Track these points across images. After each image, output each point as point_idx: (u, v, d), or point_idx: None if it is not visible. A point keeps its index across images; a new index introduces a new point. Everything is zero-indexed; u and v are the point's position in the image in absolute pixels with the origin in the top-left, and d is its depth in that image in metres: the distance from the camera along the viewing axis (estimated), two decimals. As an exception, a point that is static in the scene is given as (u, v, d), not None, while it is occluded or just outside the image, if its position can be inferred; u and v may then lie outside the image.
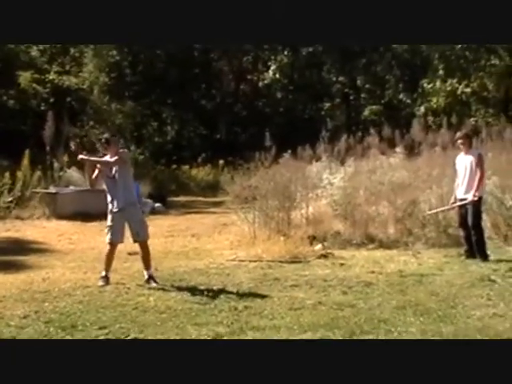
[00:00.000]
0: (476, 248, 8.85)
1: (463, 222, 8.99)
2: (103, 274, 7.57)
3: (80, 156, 8.01)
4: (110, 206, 7.58)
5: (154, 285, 7.37)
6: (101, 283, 7.44)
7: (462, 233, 9.16)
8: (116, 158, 7.52)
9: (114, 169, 7.56)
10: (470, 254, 8.88)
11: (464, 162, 9.02)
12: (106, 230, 7.64)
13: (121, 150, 7.74)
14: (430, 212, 10.25)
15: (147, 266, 7.60)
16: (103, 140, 7.91)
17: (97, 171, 7.74)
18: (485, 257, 8.73)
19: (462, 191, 8.98)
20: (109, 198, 7.59)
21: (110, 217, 7.59)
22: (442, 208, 9.85)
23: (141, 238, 7.61)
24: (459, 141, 9.19)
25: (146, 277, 7.52)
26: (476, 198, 8.79)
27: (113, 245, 7.60)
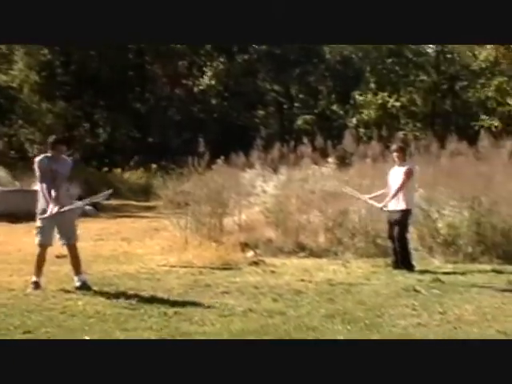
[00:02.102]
0: (400, 259, 9.03)
1: (392, 234, 9.19)
2: (34, 279, 7.34)
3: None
4: (40, 206, 7.35)
5: (84, 290, 7.19)
6: (30, 289, 7.21)
7: (390, 244, 9.36)
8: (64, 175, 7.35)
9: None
10: (397, 264, 9.07)
11: (397, 174, 9.16)
12: (36, 232, 7.43)
13: (69, 160, 7.55)
14: (346, 190, 10.29)
15: (77, 270, 7.41)
16: (52, 142, 7.46)
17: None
18: (410, 267, 8.90)
19: (393, 203, 9.15)
20: (40, 199, 7.36)
21: (39, 217, 7.37)
22: (366, 196, 9.86)
23: (67, 241, 7.41)
24: (394, 153, 9.33)
25: (78, 283, 7.30)
26: (400, 209, 8.99)
27: (43, 247, 7.38)
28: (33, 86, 24.15)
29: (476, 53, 25.59)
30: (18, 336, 5.42)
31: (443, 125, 32.68)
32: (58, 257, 8.87)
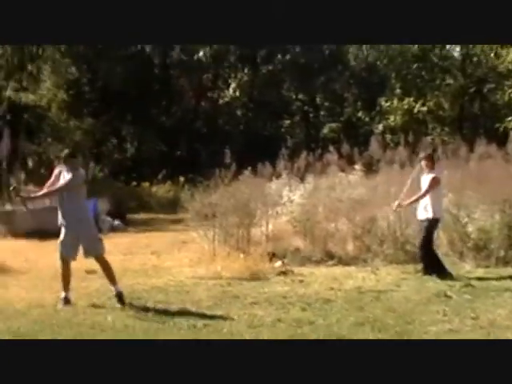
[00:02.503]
0: (423, 267, 8.96)
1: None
2: (63, 295, 7.42)
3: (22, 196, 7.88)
4: (60, 221, 7.46)
5: (117, 305, 7.22)
6: (60, 305, 7.28)
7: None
8: (61, 184, 7.40)
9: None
10: (426, 270, 8.99)
11: (425, 182, 9.11)
12: (58, 246, 7.51)
13: (80, 171, 7.62)
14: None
15: (112, 281, 7.44)
16: (65, 158, 7.61)
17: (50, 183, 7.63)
18: (439, 273, 8.76)
19: (421, 212, 9.10)
20: (60, 214, 7.46)
21: (62, 231, 7.47)
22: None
23: (92, 253, 7.45)
24: (422, 161, 9.29)
25: (114, 292, 7.36)
26: (427, 218, 8.94)
27: (64, 260, 7.45)
28: (60, 104, 24.47)
29: (503, 53, 25.30)
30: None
31: (472, 128, 32.32)
32: (88, 272, 8.96)
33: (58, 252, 7.51)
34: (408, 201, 9.20)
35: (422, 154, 9.65)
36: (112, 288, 7.44)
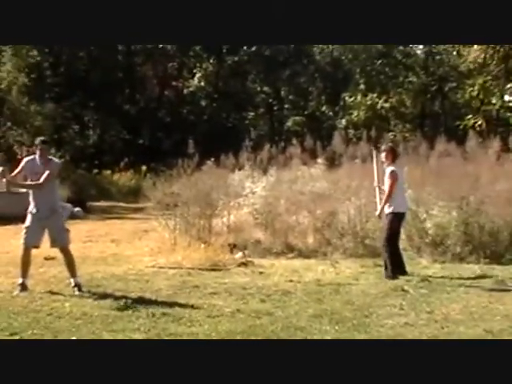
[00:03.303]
0: (384, 264, 8.70)
1: None
2: (20, 280, 7.30)
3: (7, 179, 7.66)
4: (30, 208, 7.34)
5: (77, 292, 7.18)
6: (17, 292, 7.17)
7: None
8: (47, 173, 7.23)
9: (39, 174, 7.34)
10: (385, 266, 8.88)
11: (385, 175, 8.85)
12: (23, 232, 7.40)
13: (55, 160, 7.52)
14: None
15: (72, 272, 7.37)
16: (38, 143, 7.46)
17: (16, 172, 7.49)
18: (394, 274, 8.46)
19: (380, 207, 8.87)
20: (31, 201, 7.35)
21: (28, 218, 7.35)
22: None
23: (58, 244, 7.39)
24: (382, 154, 9.01)
25: (72, 284, 7.30)
26: (377, 214, 8.82)
27: (27, 248, 7.35)
28: (21, 88, 23.92)
29: (464, 53, 25.70)
30: (5, 338, 5.40)
31: (432, 126, 32.84)
32: (46, 259, 8.87)
33: (21, 239, 7.39)
34: (381, 205, 8.78)
35: (383, 147, 9.36)
36: (71, 280, 7.36)
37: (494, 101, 21.33)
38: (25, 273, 7.37)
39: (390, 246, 8.73)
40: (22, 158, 7.73)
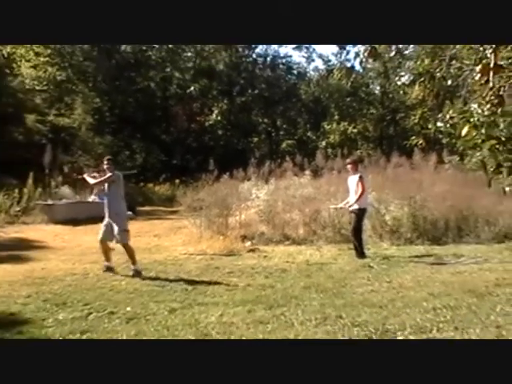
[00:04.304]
0: (354, 247, 8.66)
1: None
2: (105, 263, 7.38)
3: (85, 176, 7.78)
4: (105, 211, 7.36)
5: (130, 273, 7.11)
6: (102, 271, 7.28)
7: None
8: (108, 175, 7.33)
9: (106, 185, 7.36)
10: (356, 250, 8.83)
11: (352, 181, 8.82)
12: (100, 230, 7.39)
13: (116, 172, 7.50)
14: (332, 207, 10.10)
15: (132, 261, 7.26)
16: (106, 159, 7.52)
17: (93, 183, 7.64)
18: (361, 255, 8.48)
19: (351, 203, 8.93)
20: (105, 206, 7.37)
21: (104, 219, 7.35)
22: (339, 205, 9.53)
23: (120, 241, 7.26)
24: (348, 165, 8.98)
25: (132, 271, 7.16)
26: (355, 209, 8.58)
27: (101, 241, 7.35)
28: (88, 126, 24.14)
29: (409, 92, 25.67)
30: (80, 307, 5.42)
31: (388, 145, 32.69)
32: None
33: (99, 234, 7.38)
34: (352, 201, 8.66)
35: (348, 160, 9.27)
36: (132, 267, 7.23)
37: (430, 126, 21.46)
38: (107, 257, 7.37)
39: (357, 234, 8.66)
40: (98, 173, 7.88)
